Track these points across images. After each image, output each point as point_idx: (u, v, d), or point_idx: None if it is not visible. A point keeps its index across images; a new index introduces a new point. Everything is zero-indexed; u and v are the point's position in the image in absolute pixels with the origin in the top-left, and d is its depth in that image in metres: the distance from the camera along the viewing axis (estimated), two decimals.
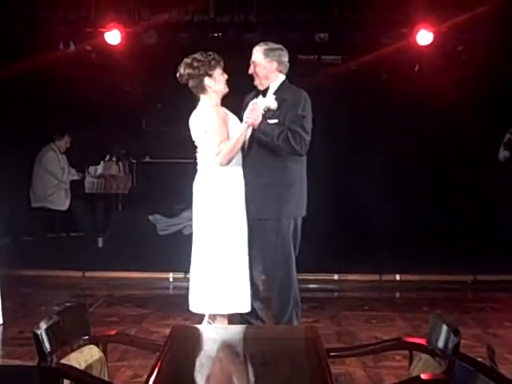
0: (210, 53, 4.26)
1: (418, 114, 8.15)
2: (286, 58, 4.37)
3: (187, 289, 6.35)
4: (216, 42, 7.63)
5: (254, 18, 6.66)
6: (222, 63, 4.26)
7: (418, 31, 7.34)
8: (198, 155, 4.29)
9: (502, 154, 7.63)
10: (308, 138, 4.21)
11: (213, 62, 4.19)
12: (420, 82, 8.02)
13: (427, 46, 7.51)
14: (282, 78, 4.38)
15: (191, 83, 4.23)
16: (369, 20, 6.71)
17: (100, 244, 8.26)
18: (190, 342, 2.76)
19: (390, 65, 8.34)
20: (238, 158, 4.22)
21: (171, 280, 6.63)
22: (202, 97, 4.25)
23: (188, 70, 4.20)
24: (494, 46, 7.37)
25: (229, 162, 4.14)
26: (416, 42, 7.50)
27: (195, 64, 4.19)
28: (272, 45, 4.40)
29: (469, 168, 8.28)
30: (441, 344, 2.57)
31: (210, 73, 4.18)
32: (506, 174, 7.55)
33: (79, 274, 6.69)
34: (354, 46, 7.68)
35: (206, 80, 4.19)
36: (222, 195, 4.19)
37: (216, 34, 7.61)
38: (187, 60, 4.24)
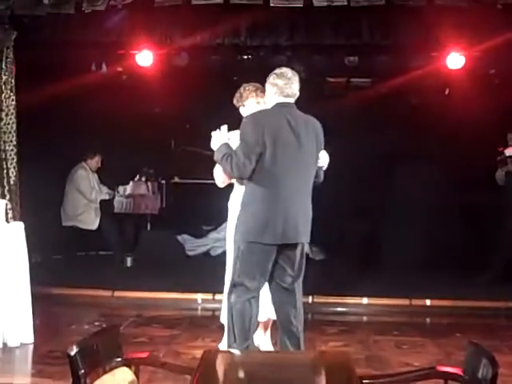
0: (250, 85, 4.68)
1: (447, 139, 8.09)
2: (268, 83, 4.33)
3: (215, 310, 6.40)
4: (245, 65, 7.70)
5: (283, 41, 6.69)
6: (258, 92, 4.59)
7: (448, 55, 7.30)
8: None
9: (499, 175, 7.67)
10: (241, 161, 4.09)
11: (245, 94, 4.65)
12: (450, 107, 7.97)
13: (458, 70, 7.45)
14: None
15: None
16: (399, 44, 6.68)
17: (129, 263, 8.30)
18: (222, 367, 2.75)
19: (419, 89, 8.31)
20: None
21: (199, 301, 6.63)
22: None
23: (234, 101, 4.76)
24: None
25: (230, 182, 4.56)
26: (446, 65, 7.46)
27: (235, 95, 4.73)
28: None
29: (496, 191, 8.18)
30: (478, 374, 2.52)
31: (245, 103, 4.68)
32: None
33: (108, 293, 6.73)
34: (384, 69, 7.65)
35: (241, 109, 4.70)
36: None
37: (246, 57, 7.67)
38: None
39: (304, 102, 4.39)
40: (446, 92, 8.21)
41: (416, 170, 8.31)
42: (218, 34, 6.62)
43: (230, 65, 7.78)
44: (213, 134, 4.39)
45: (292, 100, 4.26)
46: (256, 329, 4.43)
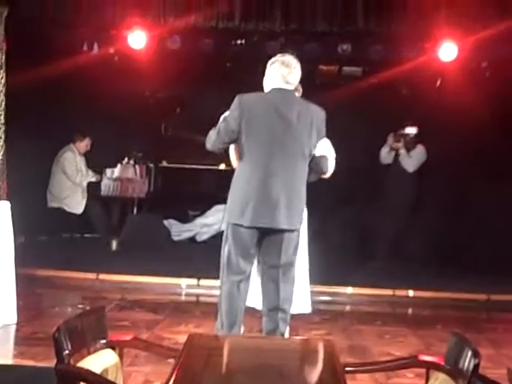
0: None
1: (437, 129, 8.12)
2: (271, 70, 4.35)
3: (199, 295, 6.41)
4: (239, 49, 7.65)
5: (278, 27, 6.66)
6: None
7: (441, 46, 7.31)
8: None
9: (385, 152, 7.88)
10: (210, 133, 4.29)
11: None
12: (441, 98, 7.99)
13: (450, 62, 7.48)
14: None
15: None
16: (393, 33, 6.68)
17: (114, 247, 8.27)
18: (207, 351, 2.75)
19: (411, 79, 8.32)
20: None
21: (184, 287, 6.63)
22: None
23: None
24: None
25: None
26: (438, 57, 7.47)
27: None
28: None
29: (490, 184, 8.23)
30: (460, 364, 2.54)
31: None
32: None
33: (93, 276, 6.70)
34: (377, 58, 7.66)
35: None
36: None
37: (239, 42, 7.63)
38: None
39: None
40: (438, 83, 8.23)
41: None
42: (211, 16, 6.57)
43: (223, 49, 7.74)
44: None
45: (291, 87, 4.27)
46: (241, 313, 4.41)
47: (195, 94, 8.51)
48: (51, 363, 2.51)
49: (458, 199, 8.44)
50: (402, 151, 7.89)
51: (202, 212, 8.92)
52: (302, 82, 4.46)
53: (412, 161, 7.87)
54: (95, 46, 7.65)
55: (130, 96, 8.60)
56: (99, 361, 2.66)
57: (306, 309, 4.77)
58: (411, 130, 7.85)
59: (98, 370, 2.57)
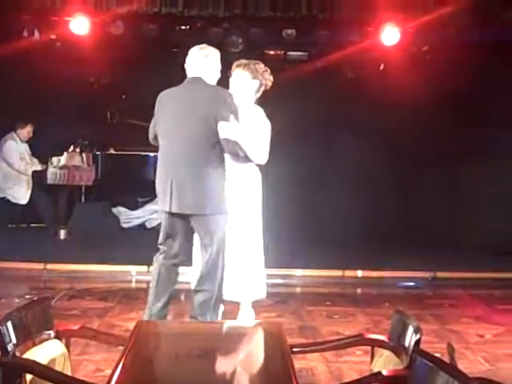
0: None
1: (381, 112, 8.26)
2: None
3: (149, 282, 6.36)
4: (182, 35, 7.60)
5: (221, 12, 6.65)
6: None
7: (383, 31, 7.42)
8: None
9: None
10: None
11: None
12: (384, 81, 8.11)
13: (393, 46, 7.61)
14: None
15: None
16: (336, 18, 6.75)
17: (62, 236, 8.16)
18: (155, 338, 2.77)
19: (355, 63, 8.43)
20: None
21: (134, 273, 6.60)
22: None
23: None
24: (457, 47, 7.50)
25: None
26: (381, 41, 7.59)
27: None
28: None
29: (430, 164, 8.44)
30: (402, 341, 2.63)
31: None
32: None
33: (40, 266, 6.61)
34: (321, 42, 7.73)
35: None
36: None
37: (183, 27, 7.58)
38: None
39: None
40: (381, 67, 8.36)
41: (352, 141, 8.44)
42: (154, 2, 6.52)
43: (167, 35, 7.67)
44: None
45: (197, 75, 4.39)
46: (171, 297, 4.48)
47: (140, 80, 8.40)
48: None
49: (403, 180, 8.62)
50: None
51: (151, 198, 8.85)
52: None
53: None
54: (36, 32, 7.46)
55: (74, 83, 8.43)
56: (45, 351, 2.64)
57: (262, 294, 4.81)
58: None
59: (44, 361, 2.56)
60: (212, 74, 4.42)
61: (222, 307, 4.56)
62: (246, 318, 4.68)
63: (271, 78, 4.72)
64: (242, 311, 4.75)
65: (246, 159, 4.50)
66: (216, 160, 4.28)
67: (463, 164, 8.17)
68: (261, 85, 4.68)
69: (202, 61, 4.40)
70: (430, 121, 8.06)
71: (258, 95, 4.71)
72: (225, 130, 4.26)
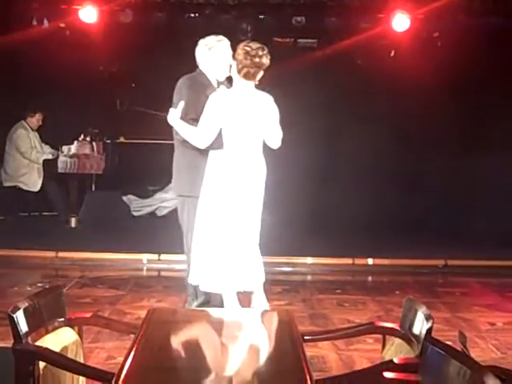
0: None
1: (392, 99, 8.21)
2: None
3: (160, 270, 6.40)
4: (191, 23, 7.57)
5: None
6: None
7: (394, 17, 7.37)
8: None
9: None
10: None
11: None
12: (395, 68, 8.07)
13: (403, 32, 7.55)
14: None
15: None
16: (346, 5, 6.71)
17: (73, 224, 8.19)
18: (166, 325, 2.77)
19: (365, 50, 8.37)
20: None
21: (145, 262, 6.62)
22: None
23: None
24: (467, 33, 7.44)
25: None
26: (392, 27, 7.54)
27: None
28: None
29: (443, 152, 8.38)
30: (413, 329, 2.62)
31: None
32: None
33: (52, 254, 6.63)
34: (331, 29, 7.68)
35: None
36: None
37: (192, 15, 7.55)
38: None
39: None
40: (392, 54, 8.30)
41: (362, 129, 8.40)
42: None
43: (176, 23, 7.65)
44: None
45: (200, 67, 4.54)
46: None
47: (150, 68, 8.39)
48: (9, 343, 2.50)
49: (414, 167, 8.58)
50: None
51: (162, 187, 8.88)
52: None
53: None
54: (45, 21, 7.47)
55: (84, 71, 8.43)
56: (58, 339, 2.66)
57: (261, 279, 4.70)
58: None
59: (56, 348, 2.57)
60: (215, 67, 4.45)
61: (203, 299, 4.53)
62: (261, 306, 4.67)
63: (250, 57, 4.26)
64: (256, 298, 4.70)
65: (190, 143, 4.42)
66: (180, 149, 4.53)
67: (475, 151, 8.11)
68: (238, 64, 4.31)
69: (205, 54, 4.50)
70: (441, 107, 8.00)
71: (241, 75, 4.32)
72: (169, 115, 4.38)
